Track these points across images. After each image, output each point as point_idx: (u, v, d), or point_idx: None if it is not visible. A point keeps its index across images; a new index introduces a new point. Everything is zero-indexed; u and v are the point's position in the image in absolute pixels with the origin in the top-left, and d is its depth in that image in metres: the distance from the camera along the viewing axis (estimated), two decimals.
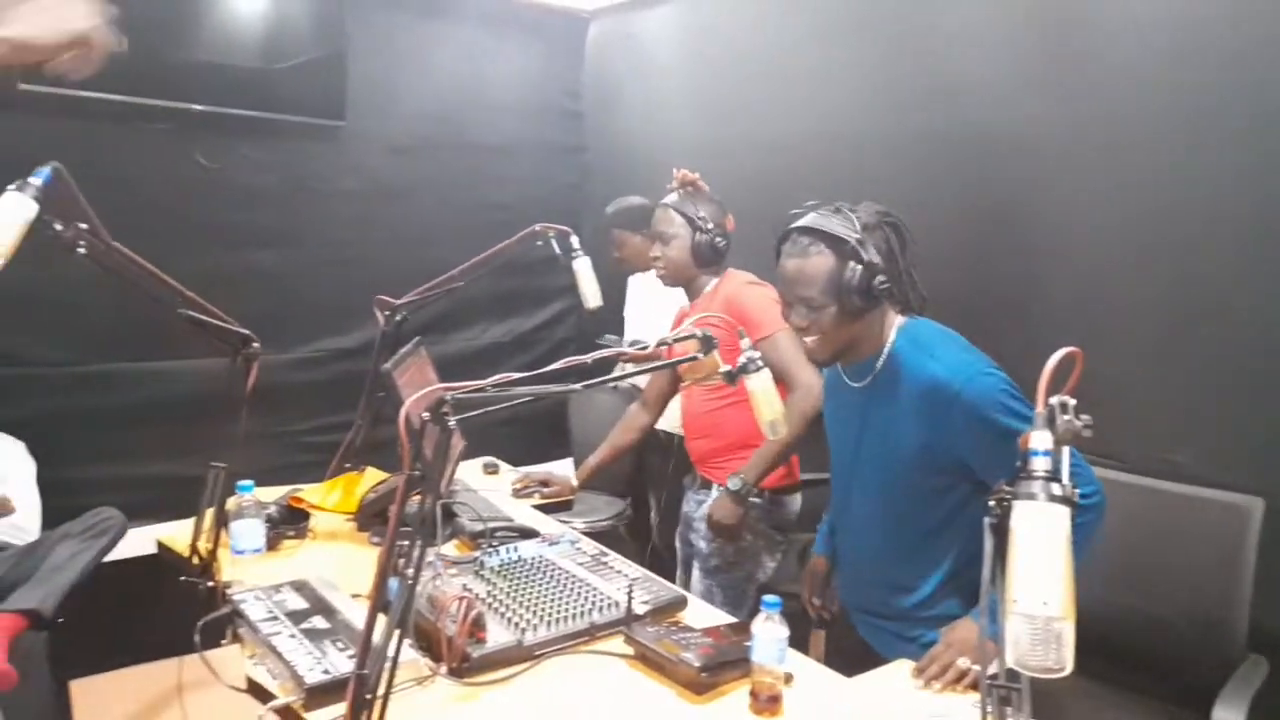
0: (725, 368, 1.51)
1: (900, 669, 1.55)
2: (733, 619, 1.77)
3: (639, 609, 1.65)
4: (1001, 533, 0.99)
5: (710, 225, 2.32)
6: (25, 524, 2.58)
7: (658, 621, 1.63)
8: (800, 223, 1.60)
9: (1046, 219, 2.29)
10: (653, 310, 3.15)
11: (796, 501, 2.41)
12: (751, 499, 2.23)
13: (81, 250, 1.46)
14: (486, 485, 2.55)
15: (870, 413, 1.70)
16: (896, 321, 1.66)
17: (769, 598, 1.41)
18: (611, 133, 3.75)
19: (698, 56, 3.31)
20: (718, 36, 3.23)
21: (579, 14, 3.77)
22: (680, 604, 1.74)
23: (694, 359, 1.49)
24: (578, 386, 1.43)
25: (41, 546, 2.47)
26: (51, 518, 2.63)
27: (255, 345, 1.83)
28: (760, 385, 1.51)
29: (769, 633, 1.37)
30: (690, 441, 2.45)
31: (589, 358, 1.42)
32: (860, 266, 1.54)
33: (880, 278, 1.55)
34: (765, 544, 2.35)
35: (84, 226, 1.46)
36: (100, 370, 2.88)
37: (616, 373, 2.23)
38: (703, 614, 1.76)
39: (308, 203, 3.18)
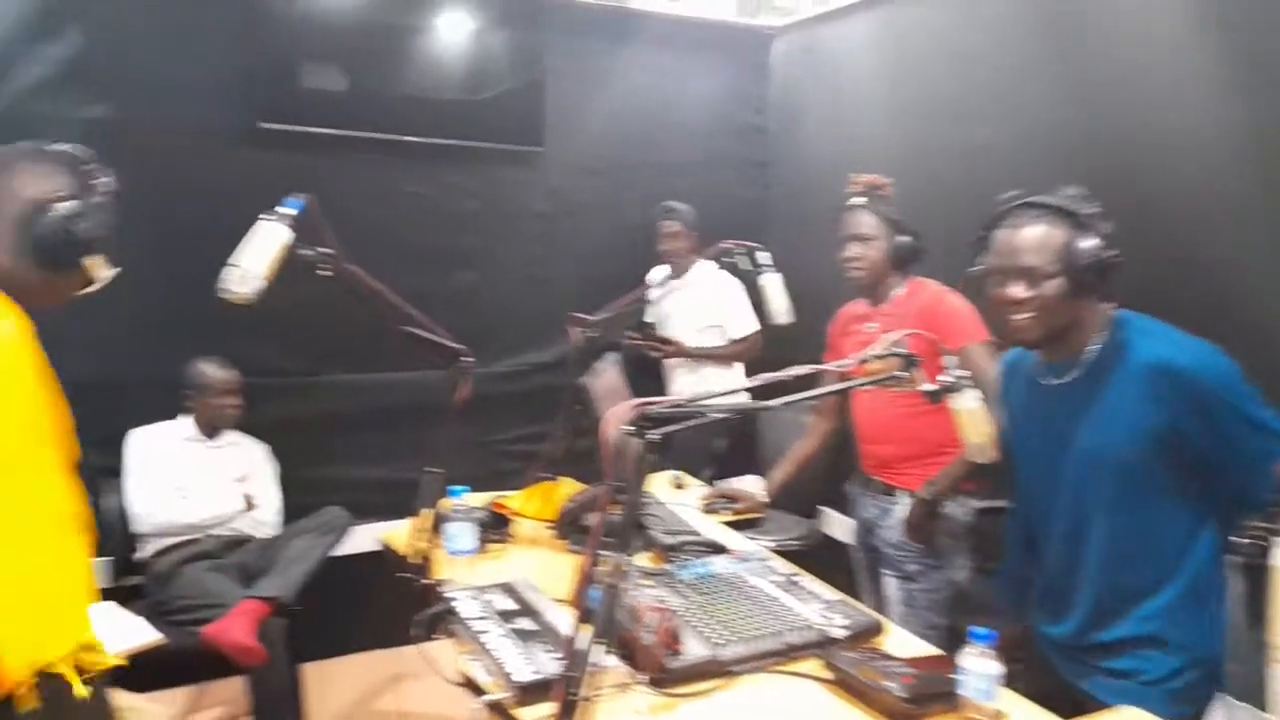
0: (928, 386, 1.46)
1: (1124, 717, 1.43)
2: (935, 649, 1.71)
3: (836, 633, 1.61)
4: (1255, 572, 0.90)
5: (912, 226, 2.29)
6: (268, 518, 2.89)
7: (856, 647, 1.59)
8: (1027, 199, 1.55)
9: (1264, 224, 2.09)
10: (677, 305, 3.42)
11: (973, 505, 2.33)
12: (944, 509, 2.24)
13: (324, 272, 1.61)
14: (674, 499, 2.59)
15: (1080, 409, 1.58)
16: (1110, 312, 1.56)
17: (979, 629, 1.35)
18: (796, 147, 3.74)
19: (885, 67, 3.25)
20: (907, 46, 3.16)
21: (763, 30, 3.78)
22: (877, 630, 1.69)
23: (894, 379, 1.45)
24: (776, 404, 1.43)
25: (281, 540, 2.76)
26: (288, 514, 2.92)
27: (467, 359, 1.95)
28: (968, 406, 1.46)
29: (979, 667, 1.31)
30: (869, 445, 2.40)
31: (788, 374, 1.42)
32: (1096, 239, 1.46)
33: (1113, 252, 1.46)
34: (957, 544, 2.30)
35: (326, 251, 1.62)
36: (331, 380, 3.18)
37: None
38: (901, 643, 1.70)
39: (506, 224, 3.37)
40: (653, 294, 3.40)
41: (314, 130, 2.97)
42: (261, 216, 1.63)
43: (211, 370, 2.81)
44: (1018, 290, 1.52)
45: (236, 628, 2.31)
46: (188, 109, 2.85)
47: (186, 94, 2.83)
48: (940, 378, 1.43)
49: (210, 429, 2.86)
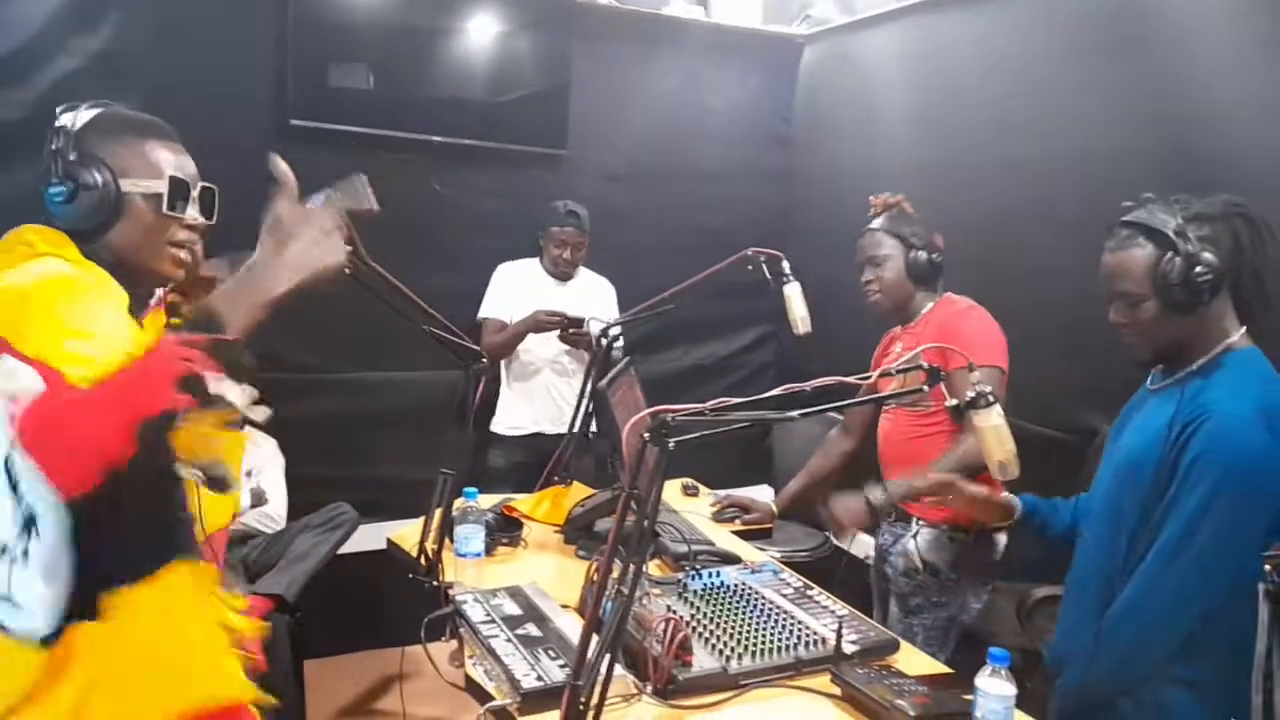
0: (953, 401, 1.44)
1: None
2: (945, 668, 1.68)
3: (847, 649, 1.59)
4: None
5: (922, 242, 2.26)
6: (275, 513, 2.88)
7: (867, 664, 1.57)
8: (1126, 217, 1.51)
9: None
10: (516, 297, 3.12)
11: (1002, 542, 2.26)
12: (955, 536, 2.16)
13: (347, 270, 1.60)
14: (686, 507, 2.57)
15: (1138, 420, 1.57)
16: (1235, 339, 1.48)
17: (997, 650, 1.32)
18: (822, 157, 3.71)
19: (918, 77, 3.21)
20: (941, 55, 3.12)
21: (793, 39, 3.77)
22: (891, 647, 1.66)
23: (918, 391, 1.43)
24: (795, 415, 1.41)
25: (286, 536, 2.75)
26: (294, 510, 2.91)
27: (484, 361, 1.93)
28: (990, 422, 1.43)
29: (995, 689, 1.28)
30: (887, 470, 2.35)
31: (808, 385, 1.40)
32: (1178, 258, 1.42)
33: (1200, 269, 1.41)
34: (970, 584, 2.23)
35: (349, 248, 1.61)
36: (344, 378, 3.18)
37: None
38: (914, 661, 1.67)
39: (529, 226, 3.35)
40: (510, 289, 3.14)
41: (343, 128, 2.97)
42: None
43: None
44: (1117, 315, 1.53)
45: None
46: (221, 105, 2.84)
47: (219, 90, 2.83)
48: (968, 394, 1.40)
49: None
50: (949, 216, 2.41)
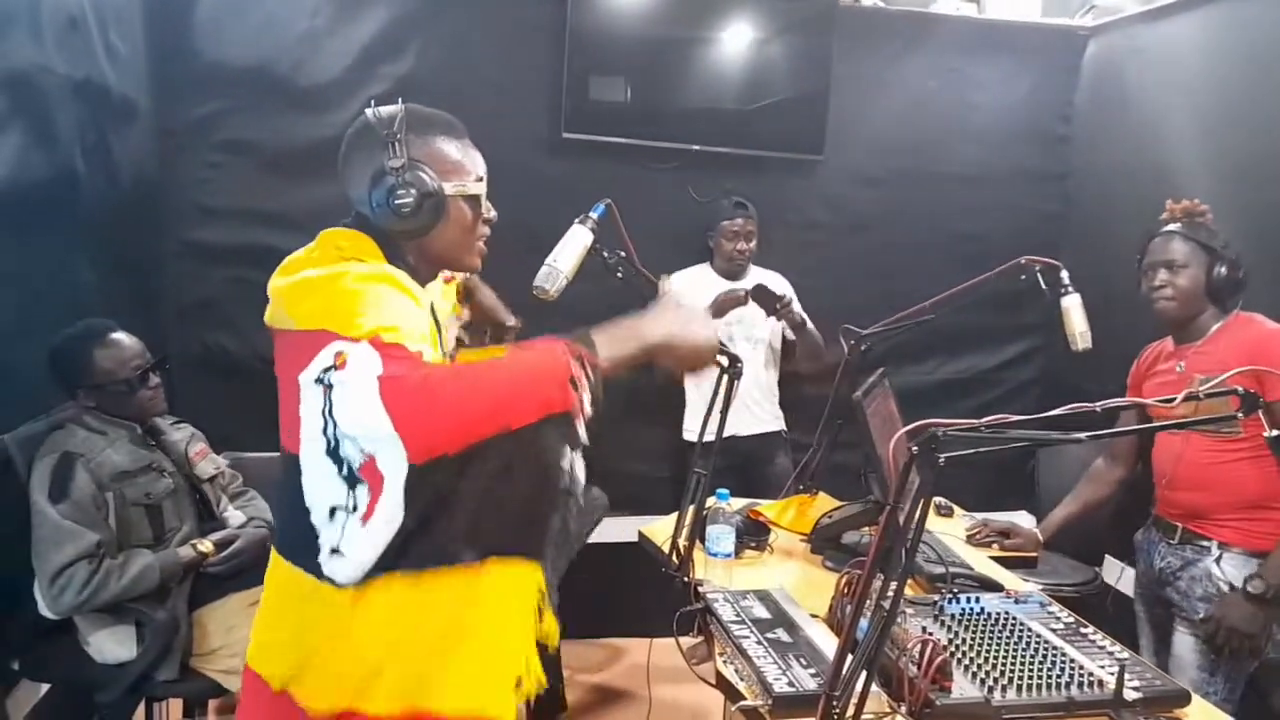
0: (1275, 433, 1.27)
1: None
2: None
3: (1129, 695, 1.45)
4: None
5: (1232, 255, 2.04)
6: None
7: (1152, 714, 1.43)
8: None
9: None
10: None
11: None
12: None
13: (619, 275, 1.70)
14: (939, 527, 2.46)
15: None
16: None
17: None
18: (1103, 158, 3.41)
19: (1221, 71, 2.87)
20: (1247, 47, 2.77)
21: (1076, 31, 3.49)
22: (1181, 699, 1.50)
23: (1231, 419, 1.28)
24: (1083, 437, 1.31)
25: None
26: None
27: (740, 365, 1.96)
28: None
29: None
30: (1176, 492, 2.16)
31: (1097, 405, 1.30)
32: None
33: None
34: (1275, 613, 2.01)
35: (623, 254, 1.70)
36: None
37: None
38: (1204, 716, 1.50)
39: (781, 233, 3.35)
40: (677, 291, 3.02)
41: (611, 140, 3.12)
42: (576, 221, 1.75)
43: None
44: None
45: None
46: (503, 121, 3.10)
47: (502, 107, 3.09)
48: None
49: None
50: (1250, 223, 2.16)
